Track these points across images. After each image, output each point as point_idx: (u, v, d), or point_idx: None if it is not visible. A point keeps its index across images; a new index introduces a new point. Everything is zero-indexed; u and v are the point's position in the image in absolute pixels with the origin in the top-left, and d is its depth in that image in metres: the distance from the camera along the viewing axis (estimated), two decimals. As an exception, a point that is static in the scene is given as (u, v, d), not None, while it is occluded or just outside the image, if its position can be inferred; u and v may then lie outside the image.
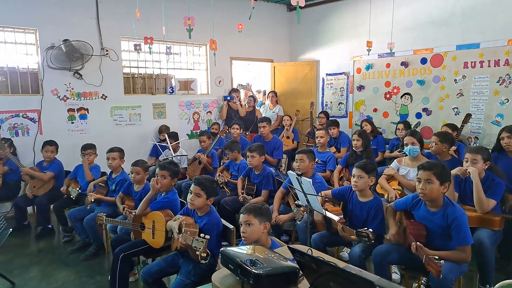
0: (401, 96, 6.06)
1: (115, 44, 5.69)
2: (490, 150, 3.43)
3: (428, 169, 2.52)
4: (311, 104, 6.89)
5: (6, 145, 4.60)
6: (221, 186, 4.44)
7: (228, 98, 6.75)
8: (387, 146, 5.49)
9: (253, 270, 1.63)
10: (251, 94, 7.36)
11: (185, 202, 2.92)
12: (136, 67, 6.13)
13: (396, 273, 3.24)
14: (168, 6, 5.19)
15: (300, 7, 2.91)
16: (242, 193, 4.02)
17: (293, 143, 6.38)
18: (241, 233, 2.27)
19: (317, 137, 4.87)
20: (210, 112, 6.93)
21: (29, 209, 4.80)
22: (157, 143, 5.75)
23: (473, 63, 5.17)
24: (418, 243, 2.33)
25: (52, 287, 3.34)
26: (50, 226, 4.52)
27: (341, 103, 7.04)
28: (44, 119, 5.23)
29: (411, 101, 5.95)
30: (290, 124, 6.46)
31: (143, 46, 5.58)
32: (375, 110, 6.46)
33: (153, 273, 2.73)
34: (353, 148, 4.38)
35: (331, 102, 7.20)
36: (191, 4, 4.64)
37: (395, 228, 2.74)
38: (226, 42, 6.45)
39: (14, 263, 3.77)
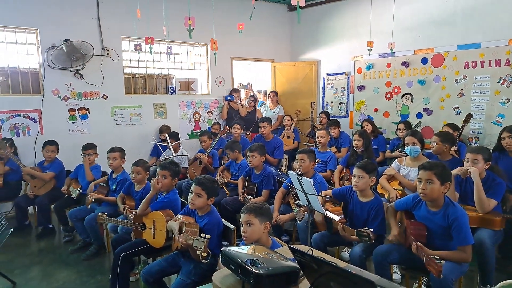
0: (402, 96, 6.05)
1: (116, 44, 5.70)
2: (491, 150, 3.42)
3: (428, 169, 2.52)
4: (311, 104, 6.89)
5: (7, 145, 4.61)
6: (221, 187, 4.44)
7: (229, 98, 6.76)
8: (387, 146, 5.48)
9: (253, 270, 1.63)
10: (251, 94, 7.35)
11: (186, 202, 2.93)
12: (137, 67, 6.14)
13: (397, 273, 3.24)
14: (169, 6, 5.20)
15: (301, 7, 2.91)
16: (243, 193, 4.03)
17: (293, 143, 6.38)
18: (242, 233, 2.27)
19: (318, 137, 4.87)
20: (210, 112, 6.93)
21: (30, 209, 4.81)
22: (157, 143, 5.75)
23: (474, 63, 5.17)
24: (418, 243, 2.33)
25: (53, 286, 3.34)
26: (51, 226, 4.53)
27: (341, 103, 7.03)
28: (45, 119, 5.24)
29: (412, 101, 5.95)
30: (291, 124, 6.46)
31: (144, 46, 5.60)
32: (375, 110, 6.46)
33: (153, 272, 2.73)
34: (354, 148, 4.38)
35: (331, 102, 7.20)
36: (191, 4, 4.64)
37: (397, 229, 2.74)
38: (226, 42, 6.45)
39: (15, 262, 3.78)
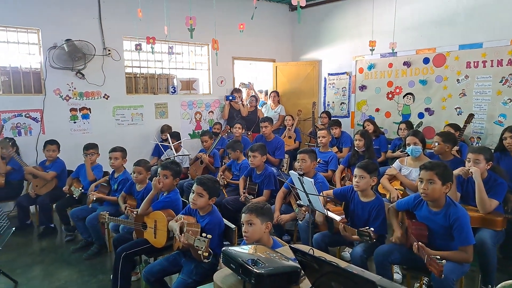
0: (404, 96, 6.05)
1: (117, 44, 5.71)
2: (492, 150, 3.42)
3: (430, 169, 2.52)
4: (313, 104, 6.88)
5: (10, 144, 4.62)
6: (221, 188, 4.44)
7: (230, 98, 6.76)
8: (389, 146, 5.48)
9: (254, 270, 1.63)
10: (253, 93, 7.36)
11: (187, 201, 2.93)
12: (138, 67, 6.14)
13: (398, 273, 3.24)
14: (170, 6, 5.20)
15: (301, 7, 2.91)
16: (244, 193, 4.03)
17: (295, 143, 6.37)
18: (243, 233, 2.27)
19: (319, 137, 4.86)
20: (212, 112, 6.94)
21: (32, 208, 4.82)
22: (159, 143, 5.75)
23: (475, 63, 5.16)
24: (420, 243, 2.33)
25: (55, 286, 3.35)
26: (52, 225, 4.54)
27: (343, 103, 7.03)
28: (46, 119, 5.25)
29: (413, 101, 5.94)
30: (292, 124, 6.46)
31: (145, 46, 5.61)
32: (377, 110, 6.45)
33: (155, 272, 2.74)
34: (355, 148, 4.38)
35: (333, 102, 7.20)
36: (192, 4, 4.64)
37: (400, 231, 2.74)
38: (228, 42, 6.46)
39: (16, 262, 3.79)
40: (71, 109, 5.46)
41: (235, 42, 6.61)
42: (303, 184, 2.80)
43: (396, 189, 3.69)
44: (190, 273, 2.58)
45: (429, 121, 5.75)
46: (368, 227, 2.60)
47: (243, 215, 2.30)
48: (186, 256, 2.71)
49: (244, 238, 2.27)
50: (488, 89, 5.08)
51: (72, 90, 5.43)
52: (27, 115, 5.13)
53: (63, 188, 4.36)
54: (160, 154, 5.78)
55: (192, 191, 2.72)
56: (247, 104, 6.94)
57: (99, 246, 3.91)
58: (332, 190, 3.34)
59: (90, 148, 4.36)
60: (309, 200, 2.85)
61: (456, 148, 4.17)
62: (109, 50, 5.60)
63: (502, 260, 3.32)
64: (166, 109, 6.36)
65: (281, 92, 7.50)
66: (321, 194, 3.06)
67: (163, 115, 6.33)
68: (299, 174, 2.83)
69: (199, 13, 4.71)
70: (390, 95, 6.23)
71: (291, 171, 3.05)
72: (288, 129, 6.43)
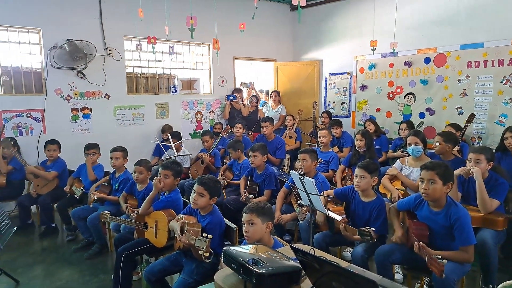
0: (404, 96, 6.04)
1: (118, 43, 5.71)
2: (493, 150, 3.42)
3: (431, 169, 2.51)
4: (314, 104, 6.88)
5: (12, 143, 4.63)
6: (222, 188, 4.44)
7: (231, 97, 6.76)
8: (390, 146, 5.47)
9: (255, 270, 1.63)
10: (254, 93, 7.36)
11: (188, 201, 2.93)
12: (139, 67, 6.15)
13: (399, 273, 3.24)
14: (171, 6, 5.21)
15: (302, 7, 2.91)
16: (245, 193, 4.03)
17: (295, 142, 6.37)
18: (244, 233, 2.27)
19: (320, 137, 4.86)
20: (213, 111, 6.94)
21: (33, 208, 4.83)
22: (160, 143, 5.76)
23: (477, 63, 5.15)
24: (421, 243, 2.33)
25: (56, 285, 3.35)
26: (53, 225, 4.55)
27: (344, 102, 7.03)
28: (47, 119, 5.26)
29: (414, 101, 5.93)
30: (293, 124, 6.46)
31: (146, 45, 5.62)
32: (378, 110, 6.45)
33: (156, 272, 2.74)
34: (356, 148, 4.37)
35: (334, 102, 7.19)
36: (193, 4, 4.65)
37: (401, 231, 2.74)
38: (229, 41, 6.46)
39: (18, 261, 3.79)
40: (72, 109, 5.46)
41: (236, 42, 6.61)
42: (304, 184, 2.80)
43: (397, 189, 3.69)
44: (191, 273, 2.58)
45: (430, 121, 5.74)
46: (369, 227, 2.60)
47: (244, 215, 2.31)
48: (187, 255, 2.71)
49: (245, 238, 2.27)
50: (489, 89, 5.07)
51: (73, 90, 5.44)
52: (28, 115, 5.14)
53: (64, 188, 4.37)
54: (161, 154, 5.78)
55: (193, 191, 2.73)
56: (248, 104, 6.94)
57: (100, 245, 3.92)
58: (333, 190, 3.34)
59: (91, 148, 4.37)
60: (310, 200, 2.85)
61: (457, 148, 4.17)
62: (110, 50, 5.61)
63: (503, 260, 3.32)
64: (167, 109, 6.36)
65: (282, 92, 7.50)
66: (322, 194, 3.06)
67: (164, 115, 6.34)
68: (300, 174, 2.83)
69: (199, 13, 4.72)
70: (391, 95, 6.23)
71: (292, 171, 3.05)
72: (289, 129, 6.43)
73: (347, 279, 1.47)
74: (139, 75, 6.18)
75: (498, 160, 3.69)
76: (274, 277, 1.66)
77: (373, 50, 5.17)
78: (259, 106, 7.10)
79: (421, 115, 5.85)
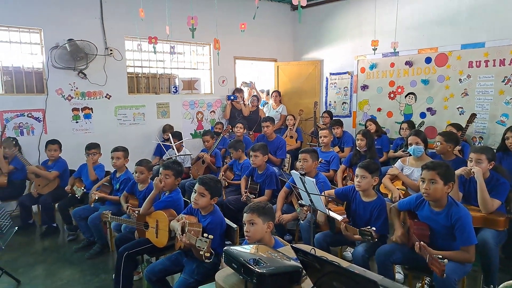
0: (405, 96, 6.04)
1: (119, 43, 5.72)
2: (494, 150, 3.41)
3: (432, 169, 2.51)
4: (314, 104, 6.88)
5: (14, 143, 4.64)
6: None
7: (232, 97, 6.76)
8: (391, 145, 5.47)
9: (256, 269, 1.63)
10: (254, 93, 7.36)
11: (189, 201, 2.93)
12: (140, 67, 6.15)
13: (400, 273, 3.24)
14: (172, 6, 5.21)
15: (302, 7, 2.91)
16: (246, 193, 4.03)
17: (296, 142, 6.38)
18: (245, 232, 2.27)
19: (321, 137, 4.86)
20: (213, 111, 6.94)
21: (34, 207, 4.84)
22: (161, 143, 5.77)
23: (478, 63, 5.15)
24: (422, 242, 2.33)
25: (57, 285, 3.36)
26: (55, 224, 4.55)
27: (344, 102, 7.02)
28: (48, 119, 5.26)
29: (415, 100, 5.93)
30: (294, 124, 6.46)
31: (147, 45, 5.61)
32: (379, 109, 6.44)
33: (157, 271, 2.75)
34: (357, 147, 4.37)
35: (334, 102, 7.19)
36: (194, 4, 4.64)
37: (401, 230, 2.73)
38: (229, 41, 6.46)
39: (19, 261, 3.80)
40: (73, 109, 5.47)
41: (237, 42, 6.61)
42: (305, 184, 2.80)
43: (398, 189, 3.68)
44: (192, 273, 2.58)
45: (431, 120, 5.74)
46: (369, 227, 2.60)
47: (244, 214, 2.31)
48: (188, 255, 2.72)
49: (246, 237, 2.28)
50: (490, 89, 5.07)
51: (74, 90, 5.44)
52: (29, 115, 5.15)
53: (65, 188, 4.37)
54: (162, 153, 5.79)
55: (194, 190, 2.73)
56: (248, 104, 6.94)
57: (101, 245, 3.92)
58: (333, 190, 3.34)
59: (92, 147, 4.37)
60: (310, 200, 2.84)
61: (458, 148, 4.17)
62: (111, 50, 5.61)
63: (504, 260, 3.32)
64: (168, 109, 6.37)
65: (282, 91, 7.50)
66: (322, 193, 3.06)
67: (165, 114, 6.34)
68: (301, 174, 2.83)
69: (200, 13, 4.72)
70: (392, 95, 6.22)
71: (293, 171, 3.05)
72: (290, 128, 6.43)
73: (348, 279, 1.47)
74: (140, 75, 6.18)
75: (499, 160, 3.69)
76: (275, 277, 1.66)
77: (375, 49, 5.17)
78: (260, 106, 7.10)
79: (422, 115, 5.84)
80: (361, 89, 6.67)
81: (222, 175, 4.63)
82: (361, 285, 1.40)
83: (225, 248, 1.88)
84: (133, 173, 3.70)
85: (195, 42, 6.52)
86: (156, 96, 6.27)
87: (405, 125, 5.27)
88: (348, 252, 3.66)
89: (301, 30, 7.63)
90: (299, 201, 3.25)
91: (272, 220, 2.32)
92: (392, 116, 6.27)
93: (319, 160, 4.05)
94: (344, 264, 1.97)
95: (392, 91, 6.20)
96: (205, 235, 2.39)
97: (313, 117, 6.77)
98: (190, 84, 6.72)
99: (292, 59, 7.81)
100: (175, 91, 6.43)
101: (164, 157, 5.53)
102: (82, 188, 4.17)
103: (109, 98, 5.75)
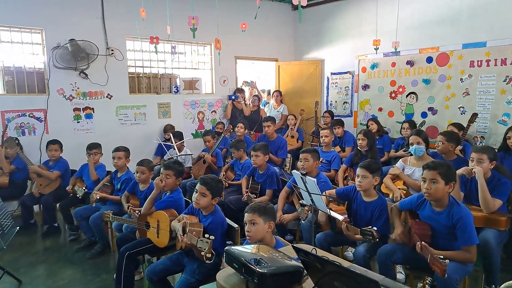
0: (407, 95, 6.03)
1: (120, 43, 5.72)
2: (496, 150, 3.40)
3: (433, 168, 2.51)
4: (315, 104, 6.87)
5: (16, 142, 4.65)
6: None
7: (233, 97, 6.76)
8: (392, 145, 5.46)
9: (257, 269, 1.63)
10: (255, 92, 7.36)
11: (190, 201, 2.93)
12: (141, 67, 6.16)
13: (401, 273, 3.23)
14: (173, 6, 5.21)
15: (302, 7, 2.90)
16: (247, 192, 4.03)
17: (297, 142, 6.37)
18: (246, 232, 2.27)
19: (322, 137, 4.86)
20: (214, 111, 6.94)
21: (36, 207, 4.85)
22: (162, 143, 5.77)
23: (479, 62, 5.14)
24: (423, 242, 2.32)
25: (58, 285, 3.36)
26: (56, 224, 4.56)
27: (346, 102, 7.02)
28: (50, 119, 5.27)
29: (416, 100, 5.92)
30: (295, 124, 6.45)
31: (148, 45, 5.62)
32: (380, 109, 6.43)
33: (158, 271, 2.75)
34: (358, 147, 4.37)
35: (335, 102, 7.18)
36: (195, 4, 4.64)
37: (401, 228, 2.73)
38: (230, 41, 6.46)
39: (20, 261, 3.81)
40: (75, 109, 5.48)
41: (238, 41, 6.62)
42: (306, 184, 2.80)
43: (399, 188, 3.68)
44: (193, 273, 2.58)
45: (432, 120, 5.73)
46: (371, 227, 2.60)
47: (246, 214, 2.31)
48: (189, 255, 2.72)
49: (247, 237, 2.27)
50: (491, 88, 5.06)
51: (76, 90, 5.45)
52: (30, 115, 5.16)
53: (67, 188, 4.38)
54: (163, 153, 5.80)
55: (195, 190, 2.73)
56: (249, 104, 6.94)
57: (102, 245, 3.93)
58: (334, 190, 3.33)
59: (93, 147, 4.38)
60: (311, 200, 2.85)
61: (459, 147, 4.16)
62: (112, 50, 5.62)
63: (505, 260, 3.31)
64: (169, 108, 6.37)
65: (283, 91, 7.50)
66: (323, 193, 3.05)
67: (166, 114, 6.35)
68: (302, 174, 2.83)
69: (201, 12, 4.72)
70: (393, 95, 6.21)
71: (294, 171, 3.05)
72: (291, 128, 6.43)
73: (349, 279, 1.47)
74: (141, 75, 6.19)
75: (501, 159, 3.68)
76: (276, 277, 1.66)
77: (376, 49, 5.17)
78: (261, 106, 7.10)
79: (423, 115, 5.83)
80: (362, 88, 6.66)
81: (223, 175, 4.63)
82: (362, 285, 1.40)
83: (226, 248, 1.88)
84: (134, 173, 3.70)
85: (196, 42, 6.52)
86: (157, 96, 6.27)
87: (406, 125, 5.27)
88: (349, 252, 3.66)
89: (302, 30, 7.63)
90: (300, 201, 3.25)
91: (273, 220, 2.32)
92: (393, 116, 6.26)
93: (320, 160, 4.04)
94: (345, 264, 1.97)
95: (393, 90, 6.20)
96: (206, 236, 2.39)
97: (314, 116, 6.76)
98: (191, 84, 6.73)
99: (293, 59, 7.81)
100: (176, 91, 6.44)
101: (165, 157, 5.54)
102: (83, 188, 4.18)
103: (110, 98, 5.75)
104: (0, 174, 4.59)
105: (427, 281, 3.02)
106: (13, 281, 3.35)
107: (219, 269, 2.08)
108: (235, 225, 2.76)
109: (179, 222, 2.69)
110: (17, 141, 4.73)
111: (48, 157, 4.68)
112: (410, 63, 5.88)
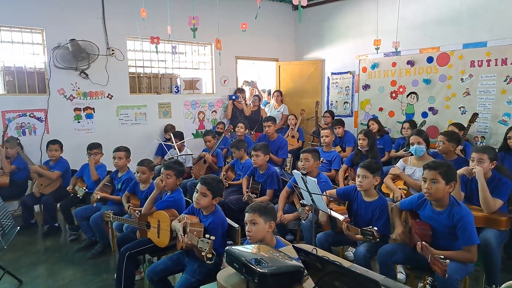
0: (407, 95, 6.03)
1: (121, 43, 5.72)
2: (496, 150, 3.40)
3: (433, 168, 2.51)
4: (316, 103, 6.87)
5: (17, 142, 4.66)
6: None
7: (233, 97, 6.76)
8: (393, 145, 5.46)
9: (258, 269, 1.64)
10: (256, 92, 7.36)
11: (191, 201, 2.93)
12: (142, 67, 6.16)
13: (402, 272, 3.23)
14: (173, 6, 5.20)
15: (302, 7, 2.90)
16: (247, 192, 4.03)
17: (298, 142, 6.37)
18: (246, 232, 2.27)
19: (322, 137, 4.86)
20: (215, 111, 6.94)
21: (36, 207, 4.85)
22: (162, 143, 5.77)
23: (480, 62, 5.13)
24: (423, 242, 2.32)
25: (59, 285, 3.37)
26: (56, 224, 4.56)
27: (346, 102, 7.02)
28: (50, 119, 5.28)
29: (417, 100, 5.92)
30: (295, 123, 6.45)
31: (149, 45, 5.62)
32: (380, 109, 6.43)
33: (158, 271, 2.75)
34: (359, 147, 4.36)
35: (336, 101, 7.18)
36: (195, 4, 4.65)
37: (401, 228, 2.73)
38: (231, 41, 6.46)
39: (21, 261, 3.81)
40: (75, 109, 5.48)
41: (238, 41, 6.62)
42: (306, 184, 2.80)
43: (399, 188, 3.68)
44: (193, 273, 2.59)
45: (433, 120, 5.73)
46: (371, 227, 2.60)
47: (246, 214, 2.31)
48: (189, 255, 2.72)
49: (248, 237, 2.28)
50: (492, 88, 5.05)
51: (76, 90, 5.45)
52: (31, 115, 5.16)
53: (67, 188, 4.38)
54: (163, 153, 5.80)
55: (196, 190, 2.73)
56: (250, 104, 6.94)
57: (103, 245, 3.93)
58: (335, 190, 3.34)
59: (94, 147, 4.38)
60: (312, 200, 2.84)
61: (460, 147, 4.15)
62: (112, 50, 5.62)
63: (506, 260, 3.31)
64: (170, 108, 6.37)
65: (284, 91, 7.49)
66: (324, 193, 3.05)
67: (166, 114, 6.35)
68: (302, 174, 2.83)
69: (202, 12, 4.72)
70: (393, 94, 6.21)
71: (294, 171, 3.05)
72: (291, 128, 6.43)
73: (349, 278, 1.47)
74: (141, 75, 6.19)
75: (501, 159, 3.68)
76: (276, 277, 1.66)
77: (377, 49, 5.16)
78: (261, 106, 7.10)
79: (424, 115, 5.83)
80: (363, 88, 6.66)
81: (224, 175, 4.63)
82: (363, 285, 1.40)
83: (227, 248, 1.88)
84: (134, 173, 3.70)
85: (196, 42, 6.52)
86: (158, 96, 6.27)
87: (406, 125, 5.26)
88: (350, 252, 3.66)
89: (303, 30, 7.62)
90: (301, 201, 3.25)
91: (273, 220, 2.33)
92: (393, 116, 6.26)
93: (321, 160, 4.04)
94: (346, 264, 1.97)
95: (394, 90, 6.20)
96: (207, 236, 2.39)
97: (314, 116, 6.76)
98: (192, 84, 6.72)
99: (294, 59, 7.81)
100: (176, 91, 6.44)
101: (166, 157, 5.54)
102: (84, 188, 4.18)
103: (110, 98, 5.75)
104: (1, 174, 4.59)
105: (428, 281, 3.02)
106: (14, 281, 3.35)
107: (220, 269, 2.09)
108: (236, 225, 2.76)
109: (180, 222, 2.69)
110: (17, 141, 4.74)
111: (48, 157, 4.68)
112: (410, 63, 5.88)
